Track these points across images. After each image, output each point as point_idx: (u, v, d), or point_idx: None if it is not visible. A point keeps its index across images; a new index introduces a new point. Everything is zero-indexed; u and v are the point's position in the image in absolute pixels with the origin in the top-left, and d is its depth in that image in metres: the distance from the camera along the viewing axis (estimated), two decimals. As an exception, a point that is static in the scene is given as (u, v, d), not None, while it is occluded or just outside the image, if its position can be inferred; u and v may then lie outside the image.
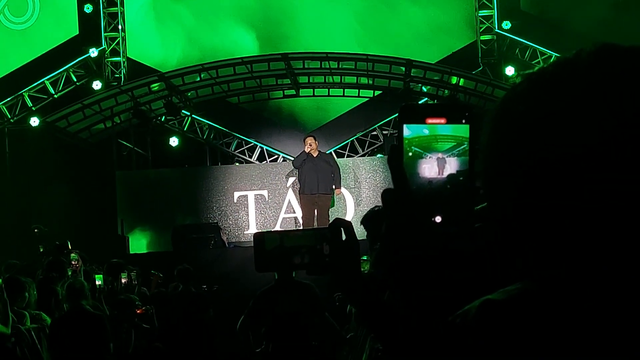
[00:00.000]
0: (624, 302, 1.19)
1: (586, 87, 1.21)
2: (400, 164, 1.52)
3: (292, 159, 19.09)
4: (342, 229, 2.21)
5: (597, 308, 1.21)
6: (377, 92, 21.34)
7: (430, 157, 1.53)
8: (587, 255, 1.21)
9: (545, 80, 1.26)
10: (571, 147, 1.19)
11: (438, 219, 1.54)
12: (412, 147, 1.52)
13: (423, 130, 1.53)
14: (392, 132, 21.55)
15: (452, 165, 1.53)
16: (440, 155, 1.53)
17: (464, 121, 1.53)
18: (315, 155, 17.27)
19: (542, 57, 21.07)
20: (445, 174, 1.53)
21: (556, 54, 20.71)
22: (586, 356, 1.19)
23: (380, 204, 1.65)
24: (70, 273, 12.32)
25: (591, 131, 1.19)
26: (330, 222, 2.25)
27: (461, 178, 1.53)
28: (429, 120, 1.53)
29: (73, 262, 12.75)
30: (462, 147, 1.53)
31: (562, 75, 1.25)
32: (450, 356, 1.34)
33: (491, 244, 1.44)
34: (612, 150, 1.17)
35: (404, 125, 1.53)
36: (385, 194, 1.58)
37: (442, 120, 1.53)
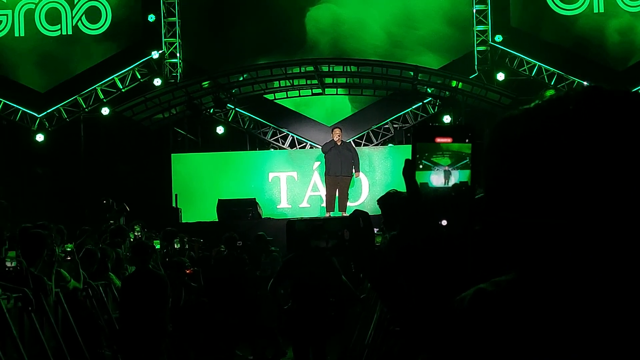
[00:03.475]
0: (587, 294, 1.20)
1: (570, 124, 1.22)
2: (413, 175, 1.51)
3: (318, 146, 19.06)
4: (360, 218, 2.20)
5: (561, 300, 1.21)
6: (390, 92, 21.28)
7: (438, 170, 1.51)
8: (558, 259, 1.22)
9: (539, 113, 1.27)
10: (552, 173, 1.21)
11: (444, 222, 1.53)
12: (423, 161, 1.51)
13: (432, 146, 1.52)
14: (401, 125, 21.53)
15: (456, 177, 1.52)
16: (446, 168, 1.52)
17: (467, 140, 1.52)
18: (339, 144, 17.33)
19: (528, 66, 20.99)
20: (450, 184, 1.52)
21: (539, 63, 20.68)
22: (557, 341, 1.20)
23: (393, 187, 1.64)
24: (132, 238, 12.39)
25: (566, 161, 1.20)
26: (352, 211, 2.24)
27: (463, 188, 1.51)
28: (438, 139, 1.51)
29: (136, 234, 12.83)
30: (465, 161, 1.51)
31: (552, 111, 1.26)
32: (447, 336, 1.34)
33: (487, 241, 1.44)
34: (580, 181, 1.19)
35: (417, 143, 1.52)
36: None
37: (449, 140, 1.52)
